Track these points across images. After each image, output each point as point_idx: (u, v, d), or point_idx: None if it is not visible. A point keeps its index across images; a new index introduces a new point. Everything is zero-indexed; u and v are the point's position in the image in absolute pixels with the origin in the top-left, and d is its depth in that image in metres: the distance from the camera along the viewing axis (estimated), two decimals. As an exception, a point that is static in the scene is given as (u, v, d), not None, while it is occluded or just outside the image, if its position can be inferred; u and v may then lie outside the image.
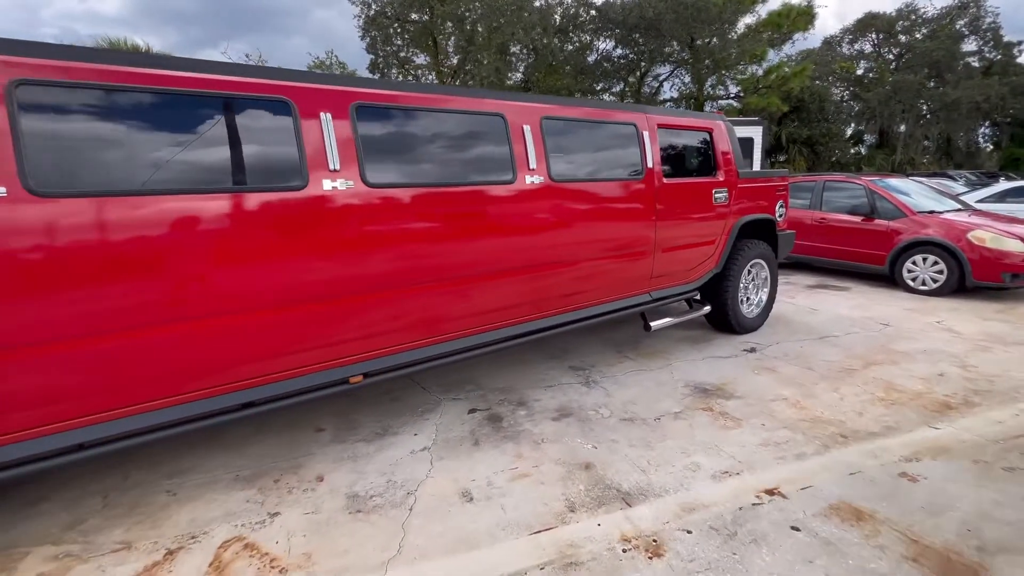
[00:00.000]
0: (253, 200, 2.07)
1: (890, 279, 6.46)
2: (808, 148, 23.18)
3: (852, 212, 6.86)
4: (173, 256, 1.92)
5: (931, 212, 6.40)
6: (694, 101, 22.60)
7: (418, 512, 2.17)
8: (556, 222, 3.03)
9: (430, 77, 19.73)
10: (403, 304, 2.53)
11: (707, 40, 19.40)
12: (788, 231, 4.93)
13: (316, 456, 2.66)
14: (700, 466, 2.47)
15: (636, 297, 3.71)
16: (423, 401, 3.32)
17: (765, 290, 4.73)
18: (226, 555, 1.95)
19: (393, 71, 19.67)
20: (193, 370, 2.05)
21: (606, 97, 21.74)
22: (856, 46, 29.26)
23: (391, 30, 17.95)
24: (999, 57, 26.46)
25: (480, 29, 16.62)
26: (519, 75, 19.89)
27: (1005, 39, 26.49)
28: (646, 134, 3.53)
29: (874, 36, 28.59)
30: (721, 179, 4.10)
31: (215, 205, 1.99)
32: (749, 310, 4.64)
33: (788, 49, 22.68)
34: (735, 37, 20.05)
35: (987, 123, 28.90)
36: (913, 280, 6.17)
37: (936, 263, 5.97)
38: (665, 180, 3.66)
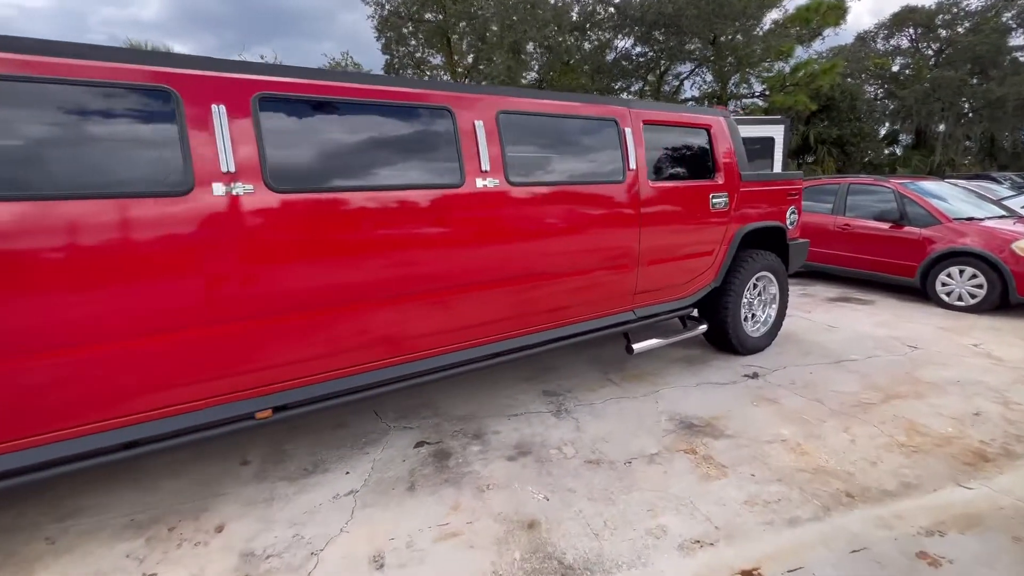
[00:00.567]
0: (121, 207, 1.75)
1: (921, 293, 5.83)
2: (838, 148, 22.09)
3: (879, 218, 6.24)
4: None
5: (970, 219, 5.75)
6: (716, 100, 21.81)
7: (316, 581, 1.82)
8: (514, 231, 2.64)
9: (445, 78, 19.51)
10: (322, 328, 2.19)
11: (730, 36, 18.63)
12: (801, 240, 4.41)
13: (228, 497, 2.33)
14: (667, 531, 2.04)
15: (617, 315, 3.28)
16: (370, 430, 2.97)
17: (774, 306, 4.22)
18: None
19: (408, 72, 19.53)
20: (55, 407, 1.74)
21: (624, 97, 21.15)
22: (892, 41, 27.85)
23: (404, 30, 17.79)
24: (1050, 51, 24.73)
25: (493, 28, 16.29)
26: (533, 74, 19.49)
27: (1057, 32, 24.74)
28: (628, 131, 3.11)
29: (911, 31, 27.15)
30: (720, 182, 3.63)
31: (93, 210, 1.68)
32: (754, 329, 4.14)
33: (818, 45, 21.68)
34: (760, 33, 19.22)
35: (1035, 121, 27.08)
36: (948, 295, 5.54)
37: (975, 276, 5.33)
38: (652, 183, 3.23)
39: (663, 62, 20.46)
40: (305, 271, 2.08)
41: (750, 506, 2.19)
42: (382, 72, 19.38)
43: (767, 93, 20.79)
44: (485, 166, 2.51)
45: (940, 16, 25.93)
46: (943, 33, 26.18)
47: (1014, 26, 24.61)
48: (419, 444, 2.79)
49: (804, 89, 19.77)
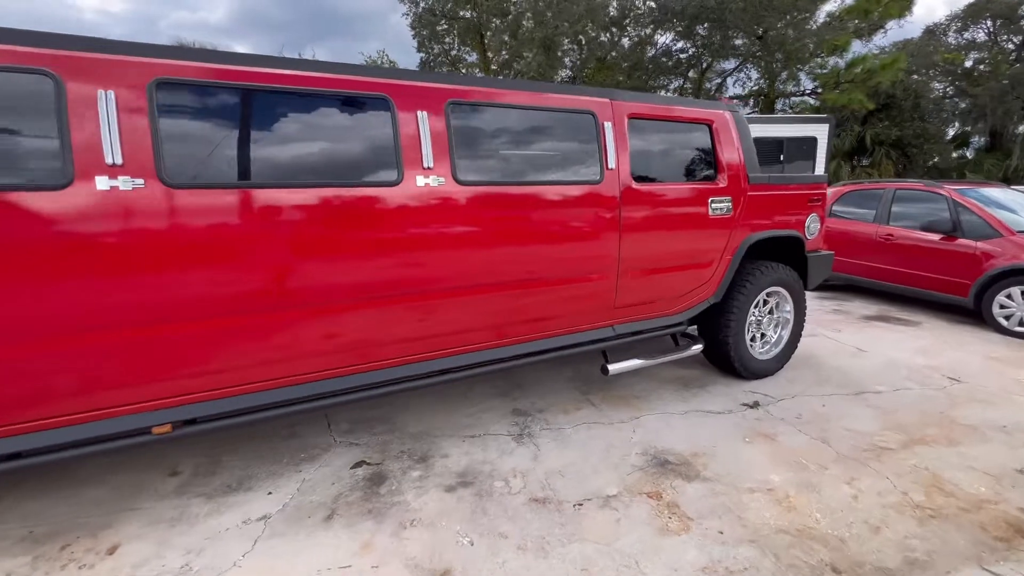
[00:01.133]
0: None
1: (976, 315, 5.12)
2: (898, 151, 20.40)
3: (929, 228, 5.53)
4: None
5: (1038, 232, 4.99)
6: (763, 98, 20.65)
7: (183, 626, 1.61)
8: (462, 236, 2.36)
9: (478, 75, 19.40)
10: (226, 339, 1.99)
11: (779, 31, 17.53)
12: (824, 252, 3.90)
13: (138, 513, 2.18)
14: (597, 599, 1.72)
15: (592, 331, 2.94)
16: (314, 443, 2.78)
17: (788, 326, 3.74)
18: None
19: (444, 70, 19.53)
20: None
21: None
22: (966, 35, 25.49)
23: (438, 28, 17.77)
24: None
25: (526, 24, 15.99)
26: (567, 72, 19.04)
27: None
28: (609, 126, 2.76)
29: (989, 23, 24.76)
30: (722, 185, 3.21)
31: None
32: (762, 350, 3.68)
33: (879, 40, 20.09)
34: (813, 27, 17.98)
35: None
36: (1007, 319, 4.82)
37: (1040, 299, 4.61)
38: (636, 185, 2.86)
39: (705, 58, 19.52)
40: (199, 277, 1.88)
41: (709, 574, 1.82)
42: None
43: (819, 91, 19.48)
44: (428, 162, 2.25)
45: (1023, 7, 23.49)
46: (1027, 24, 23.69)
47: (1112, 16, 21.98)
48: (358, 464, 2.57)
49: (861, 86, 18.35)
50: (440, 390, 3.41)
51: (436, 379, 2.50)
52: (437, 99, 2.29)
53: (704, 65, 19.99)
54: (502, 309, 2.55)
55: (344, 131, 2.14)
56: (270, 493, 2.32)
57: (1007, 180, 19.55)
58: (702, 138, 3.20)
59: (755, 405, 3.23)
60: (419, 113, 2.23)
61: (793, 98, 20.29)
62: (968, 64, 24.35)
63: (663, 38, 19.75)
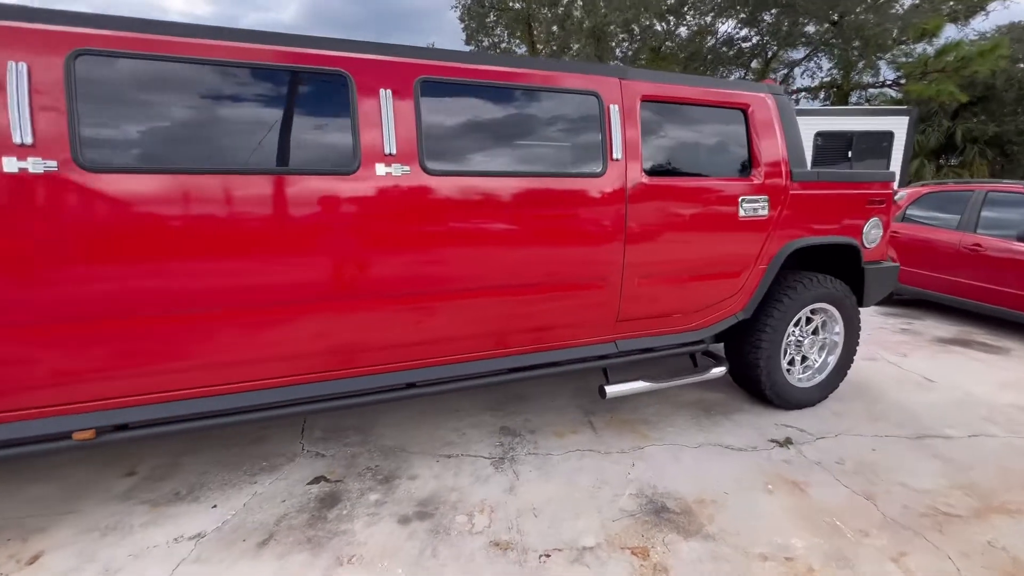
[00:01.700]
0: None
1: (1084, 345, 4.25)
2: (995, 149, 18.11)
3: (1027, 238, 4.67)
4: None
5: None
6: (836, 91, 18.95)
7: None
8: (430, 232, 2.06)
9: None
10: (160, 339, 1.80)
11: (857, 15, 15.93)
12: (886, 264, 3.29)
13: (75, 516, 2.06)
14: None
15: (590, 347, 2.57)
16: (280, 451, 2.59)
17: (836, 350, 3.18)
18: None
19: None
20: None
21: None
22: (1089, 17, 22.20)
23: (487, 20, 17.55)
24: None
25: (576, 13, 15.43)
26: (618, 63, 18.27)
27: None
28: (615, 109, 2.36)
29: (1120, 2, 21.42)
30: (757, 182, 2.72)
31: None
32: (802, 376, 3.15)
33: (978, 23, 17.85)
34: (899, 11, 16.20)
35: None
36: None
37: None
38: (648, 179, 2.45)
39: (771, 47, 18.13)
40: (114, 272, 1.70)
41: (686, 674, 1.44)
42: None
43: (902, 81, 17.58)
44: (390, 148, 1.96)
45: None
46: None
47: None
48: (316, 480, 2.34)
49: (953, 76, 16.35)
50: (426, 401, 3.15)
51: (399, 394, 2.23)
52: (404, 76, 1.99)
53: (769, 54, 18.59)
54: (474, 318, 2.23)
55: (294, 111, 1.89)
56: (215, 506, 2.14)
57: None
58: (735, 125, 2.72)
59: (786, 443, 2.73)
60: (382, 92, 1.95)
61: (871, 90, 18.47)
62: (1089, 50, 21.20)
63: (724, 26, 18.53)
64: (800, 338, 3.10)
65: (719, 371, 2.86)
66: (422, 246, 2.05)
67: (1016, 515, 2.16)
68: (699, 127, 2.67)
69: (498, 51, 19.23)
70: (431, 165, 2.03)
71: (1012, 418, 3.07)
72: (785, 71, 18.94)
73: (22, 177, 1.56)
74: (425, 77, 2.02)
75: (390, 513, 2.11)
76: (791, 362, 3.13)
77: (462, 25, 18.80)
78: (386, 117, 1.95)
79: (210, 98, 1.78)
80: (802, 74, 18.83)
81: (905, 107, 9.29)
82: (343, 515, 2.10)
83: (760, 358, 2.93)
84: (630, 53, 17.73)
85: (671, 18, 17.67)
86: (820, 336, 3.17)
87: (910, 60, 17.41)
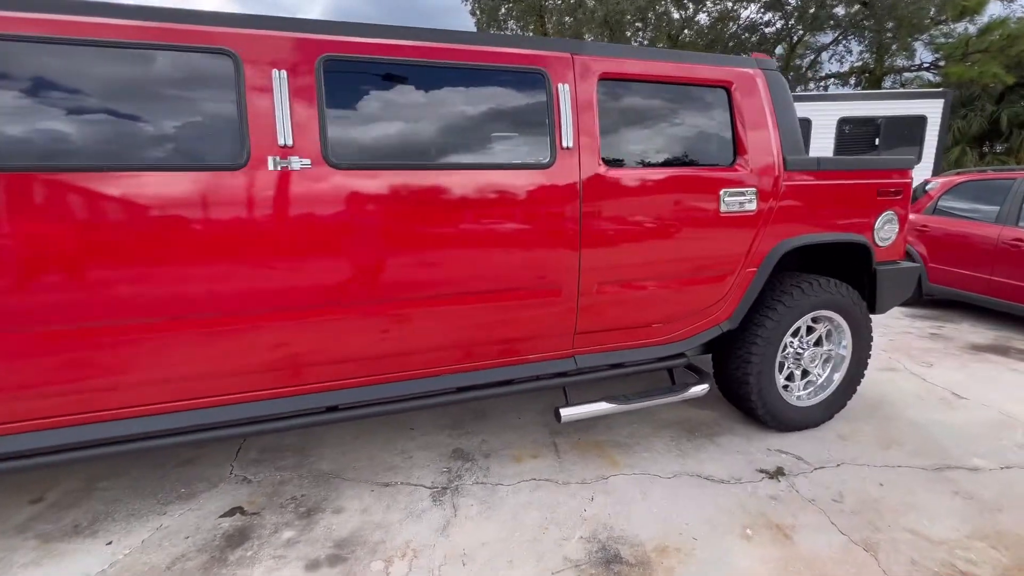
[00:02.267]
0: None
1: None
2: (1046, 134, 16.77)
3: (1078, 233, 4.11)
4: None
5: None
6: (867, 76, 17.91)
7: None
8: (336, 235, 1.78)
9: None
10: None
11: (891, -6, 14.94)
12: (904, 265, 2.86)
13: (-42, 554, 1.87)
14: None
15: (545, 362, 2.25)
16: (205, 475, 2.37)
17: (842, 365, 2.77)
18: None
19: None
20: None
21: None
22: None
23: (499, 13, 17.22)
24: None
25: (589, 3, 14.93)
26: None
27: None
28: (565, 89, 2.03)
29: None
30: (742, 171, 2.35)
31: None
32: (802, 394, 2.76)
33: (1026, -2, 16.55)
34: (938, -12, 15.12)
35: None
36: None
37: None
38: (608, 171, 2.11)
39: (796, 31, 17.22)
40: None
41: None
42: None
43: (940, 64, 16.46)
44: (286, 139, 1.69)
45: None
46: None
47: None
48: (231, 512, 2.10)
49: (998, 56, 15.18)
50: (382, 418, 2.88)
51: (318, 418, 1.97)
52: (304, 54, 1.71)
53: (795, 39, 17.68)
54: (401, 334, 1.94)
55: (171, 98, 1.63)
56: (109, 543, 1.92)
57: None
58: (715, 107, 2.35)
59: (777, 474, 2.36)
60: (275, 73, 1.67)
61: (906, 74, 17.37)
62: None
63: (747, 11, 17.70)
64: (800, 350, 2.71)
65: (699, 390, 2.50)
66: (325, 252, 1.77)
67: (1055, 577, 1.75)
68: (671, 109, 2.31)
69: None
70: (337, 158, 1.75)
71: (1055, 445, 2.62)
72: (812, 56, 18.01)
73: None
74: (330, 55, 1.74)
75: (299, 556, 1.85)
76: (789, 377, 2.74)
77: (474, 20, 18.54)
78: (280, 103, 1.67)
79: (58, 84, 1.54)
80: (830, 59, 17.85)
81: (939, 89, 8.55)
82: (246, 557, 1.85)
83: (750, 374, 2.55)
84: (646, 42, 17.11)
85: (689, 4, 16.99)
86: (824, 347, 2.77)
87: (950, 40, 16.29)
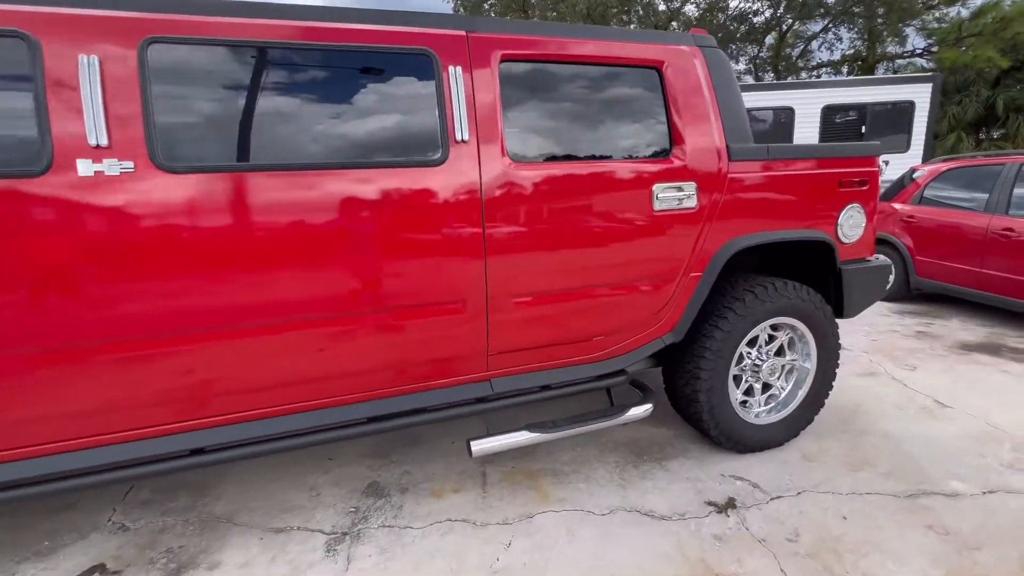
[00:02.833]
0: None
1: None
2: (1043, 119, 16.41)
3: (1072, 221, 3.81)
4: None
5: None
6: (860, 64, 17.57)
7: None
8: (166, 250, 1.50)
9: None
10: None
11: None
12: (873, 263, 2.57)
13: None
14: None
15: (455, 388, 1.97)
16: (79, 523, 2.09)
17: (807, 378, 2.49)
18: None
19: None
20: None
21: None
22: None
23: (483, 7, 16.93)
24: None
25: (572, -5, 14.63)
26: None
27: None
28: (457, 73, 1.74)
29: None
30: (679, 163, 2.06)
31: None
32: (761, 411, 2.48)
33: (1020, -21, 16.15)
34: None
35: None
36: None
37: None
38: (516, 168, 1.83)
39: (785, 20, 16.89)
40: None
41: None
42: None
43: (933, 49, 16.11)
44: (99, 138, 1.40)
45: None
46: None
47: None
48: (89, 571, 1.83)
49: (992, 40, 14.83)
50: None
51: (182, 462, 1.69)
52: (122, 36, 1.43)
53: (785, 28, 17.35)
54: (278, 363, 1.66)
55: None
56: (-69, 617, 1.65)
57: None
58: (644, 90, 2.06)
59: (726, 507, 2.07)
60: (84, 60, 1.39)
61: (899, 60, 17.02)
62: None
63: (735, 1, 17.37)
64: (759, 361, 2.42)
65: (640, 411, 2.20)
66: (164, 272, 1.49)
67: (1040, 640, 1.46)
68: (591, 94, 2.01)
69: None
70: (168, 159, 1.47)
71: (1047, 462, 2.33)
72: (803, 45, 17.68)
73: None
74: (155, 38, 1.45)
75: (148, 629, 1.58)
76: (748, 391, 2.45)
77: (459, 12, 18.27)
78: (90, 94, 1.39)
79: None
80: (820, 47, 17.52)
81: (927, 74, 8.23)
82: (85, 633, 1.57)
83: (699, 390, 2.26)
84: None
85: (676, -3, 16.67)
86: (787, 358, 2.48)
87: (942, 25, 15.94)
